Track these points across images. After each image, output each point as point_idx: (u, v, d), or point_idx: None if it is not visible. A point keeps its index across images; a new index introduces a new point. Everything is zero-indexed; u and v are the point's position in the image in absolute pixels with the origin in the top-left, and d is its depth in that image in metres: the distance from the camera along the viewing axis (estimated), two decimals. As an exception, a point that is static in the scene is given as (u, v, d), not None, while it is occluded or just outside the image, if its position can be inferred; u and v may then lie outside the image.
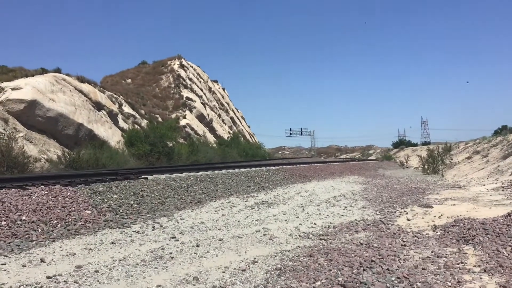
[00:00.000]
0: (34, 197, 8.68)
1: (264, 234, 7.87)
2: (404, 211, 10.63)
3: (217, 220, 9.46)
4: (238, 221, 9.34)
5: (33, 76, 26.62)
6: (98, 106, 30.25)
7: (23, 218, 7.63)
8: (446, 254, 6.06)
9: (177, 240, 7.28)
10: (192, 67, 66.31)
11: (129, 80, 57.54)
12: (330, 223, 9.13)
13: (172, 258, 6.12)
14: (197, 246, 6.88)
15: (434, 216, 9.48)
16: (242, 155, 43.46)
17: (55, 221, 7.88)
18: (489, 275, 4.98)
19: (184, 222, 9.04)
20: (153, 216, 9.57)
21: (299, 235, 7.83)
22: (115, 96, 37.26)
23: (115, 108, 33.48)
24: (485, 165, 24.25)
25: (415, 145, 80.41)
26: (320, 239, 7.43)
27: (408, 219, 9.33)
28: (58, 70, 30.04)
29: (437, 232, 7.65)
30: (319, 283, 4.86)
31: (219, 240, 7.36)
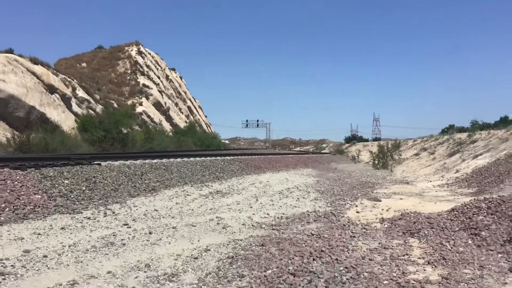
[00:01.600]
0: (-20, 180, 8.38)
1: (218, 223, 7.93)
2: (354, 204, 10.93)
3: (171, 208, 9.44)
4: (192, 210, 9.35)
5: (-17, 55, 25.53)
6: (51, 89, 29.33)
7: (-32, 201, 7.37)
8: (392, 246, 6.30)
9: (130, 227, 7.23)
10: (150, 54, 65.19)
11: (84, 64, 55.99)
12: (283, 213, 9.29)
13: (124, 245, 6.08)
14: (150, 233, 6.86)
15: (382, 210, 9.80)
16: (198, 144, 43.25)
17: (3, 205, 7.65)
18: (432, 267, 5.23)
19: (137, 210, 8.97)
20: (105, 202, 9.43)
21: (252, 225, 7.93)
22: (69, 79, 36.18)
23: (68, 92, 32.54)
24: (432, 162, 25.16)
25: (367, 140, 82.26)
26: (273, 229, 7.55)
27: (357, 212, 9.60)
28: (10, 51, 28.94)
29: (384, 224, 7.92)
30: (270, 271, 4.97)
31: (173, 228, 7.36)
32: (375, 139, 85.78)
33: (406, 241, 6.57)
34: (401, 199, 11.82)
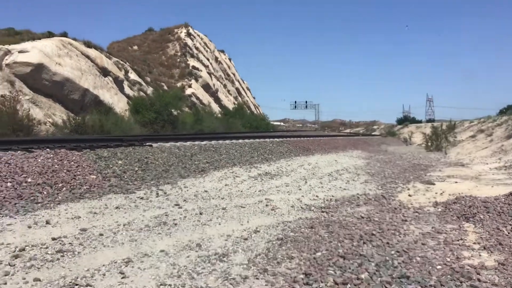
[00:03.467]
0: (39, 160, 8.76)
1: (267, 205, 7.95)
2: (406, 187, 10.69)
3: (220, 189, 9.54)
4: (241, 191, 9.42)
5: (40, 39, 26.50)
6: (104, 72, 30.16)
7: (29, 180, 7.72)
8: (446, 230, 6.12)
9: (181, 208, 7.37)
10: (199, 36, 65.70)
11: (135, 47, 57.20)
12: (332, 196, 9.20)
13: (176, 224, 6.21)
14: (200, 214, 6.97)
15: (436, 193, 9.53)
16: (247, 126, 43.45)
17: (61, 184, 7.97)
18: (488, 253, 5.05)
19: (187, 190, 9.13)
20: (157, 183, 9.65)
21: (301, 207, 7.91)
22: (121, 62, 37.09)
23: (121, 74, 33.36)
24: (489, 144, 24.20)
25: (420, 122, 79.95)
26: (322, 212, 7.50)
27: (409, 195, 9.39)
28: (64, 34, 29.84)
29: (438, 208, 7.71)
30: (319, 253, 4.94)
31: (222, 209, 7.44)
32: (429, 121, 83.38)
33: (461, 226, 6.37)
34: (456, 182, 11.45)
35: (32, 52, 23.53)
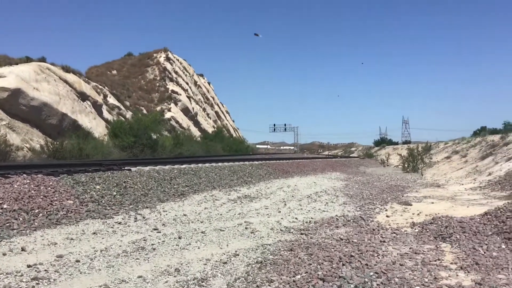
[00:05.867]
0: (16, 186, 8.62)
1: (246, 228, 7.94)
2: (384, 208, 10.79)
3: (200, 213, 9.50)
4: (221, 214, 9.40)
5: (17, 64, 26.24)
6: (83, 97, 29.98)
7: (4, 206, 7.58)
8: (423, 250, 6.19)
9: (159, 232, 7.31)
10: (178, 60, 65.90)
11: (114, 72, 57.02)
12: (311, 218, 9.23)
13: (154, 249, 6.15)
14: (179, 238, 6.92)
15: (413, 214, 9.64)
16: (226, 149, 43.46)
17: (37, 210, 7.85)
18: (465, 272, 5.11)
19: (166, 214, 9.07)
20: (135, 207, 9.57)
21: (280, 229, 7.91)
22: (100, 87, 36.91)
23: (99, 99, 33.20)
24: (464, 165, 24.62)
25: (396, 143, 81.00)
26: (301, 234, 7.51)
27: (387, 216, 9.48)
28: (43, 59, 29.63)
29: (415, 229, 7.80)
30: (299, 276, 4.95)
31: (202, 232, 7.41)
32: (405, 142, 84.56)
33: (438, 246, 6.45)
34: (433, 203, 11.61)
35: (9, 77, 23.30)
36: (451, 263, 5.51)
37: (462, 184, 17.78)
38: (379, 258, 5.75)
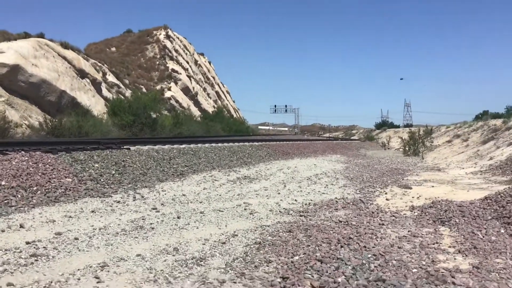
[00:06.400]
0: (14, 163, 8.60)
1: (245, 209, 7.94)
2: (384, 191, 10.79)
3: (199, 193, 9.49)
4: (220, 195, 9.39)
5: (16, 40, 26.06)
6: (82, 74, 29.81)
7: (2, 183, 7.56)
8: (422, 234, 6.19)
9: (158, 211, 7.31)
10: (178, 38, 65.45)
11: (113, 49, 56.68)
12: (311, 200, 9.23)
13: (153, 228, 6.15)
14: (178, 218, 6.92)
15: (413, 197, 9.64)
16: (226, 129, 43.41)
17: (35, 188, 7.83)
18: (463, 256, 5.11)
19: (165, 194, 9.06)
20: (134, 186, 9.56)
21: (279, 211, 7.91)
22: (99, 64, 36.71)
23: (99, 76, 33.02)
24: (465, 149, 24.62)
25: (398, 127, 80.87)
26: (300, 216, 7.51)
27: (387, 199, 9.47)
28: (41, 35, 29.36)
29: (414, 212, 7.79)
30: (297, 257, 4.94)
31: (200, 213, 7.40)
32: (406, 125, 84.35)
33: (437, 230, 6.44)
34: (433, 186, 11.61)
35: (8, 53, 23.13)
36: (449, 247, 5.51)
37: (463, 168, 17.79)
38: (377, 240, 5.75)
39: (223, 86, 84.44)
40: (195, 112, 49.17)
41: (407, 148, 30.84)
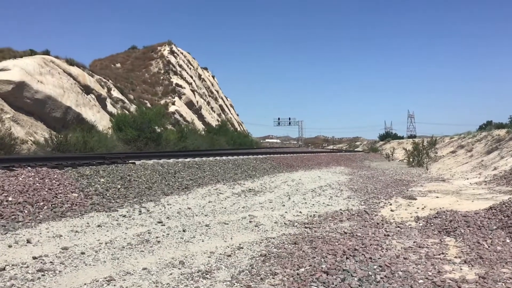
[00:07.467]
0: (20, 179, 8.66)
1: (250, 221, 7.95)
2: (388, 202, 10.78)
3: (204, 206, 9.52)
4: (225, 208, 9.41)
5: (21, 57, 26.24)
6: (87, 90, 29.99)
7: (10, 199, 7.62)
8: (427, 244, 6.18)
9: (164, 225, 7.33)
10: (182, 53, 65.79)
11: (118, 65, 57.02)
12: (316, 212, 9.24)
13: (159, 242, 6.17)
14: (184, 231, 6.94)
15: (418, 208, 9.63)
16: (230, 143, 43.47)
17: (42, 203, 7.88)
18: (469, 266, 5.11)
19: (171, 208, 9.09)
20: (140, 200, 9.60)
21: (284, 223, 7.92)
22: (104, 80, 36.91)
23: (103, 92, 33.21)
24: (469, 160, 24.54)
25: (401, 138, 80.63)
26: (305, 227, 7.52)
27: (391, 210, 9.47)
28: (47, 52, 29.59)
29: (419, 223, 7.79)
30: (303, 269, 4.96)
31: (206, 225, 7.42)
32: (410, 136, 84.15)
33: (442, 240, 6.44)
34: (437, 197, 11.59)
35: (14, 70, 23.32)
36: (455, 257, 5.51)
37: (467, 179, 17.73)
38: (383, 251, 5.75)
39: (227, 100, 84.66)
40: (199, 125, 49.28)
41: (411, 159, 30.77)
